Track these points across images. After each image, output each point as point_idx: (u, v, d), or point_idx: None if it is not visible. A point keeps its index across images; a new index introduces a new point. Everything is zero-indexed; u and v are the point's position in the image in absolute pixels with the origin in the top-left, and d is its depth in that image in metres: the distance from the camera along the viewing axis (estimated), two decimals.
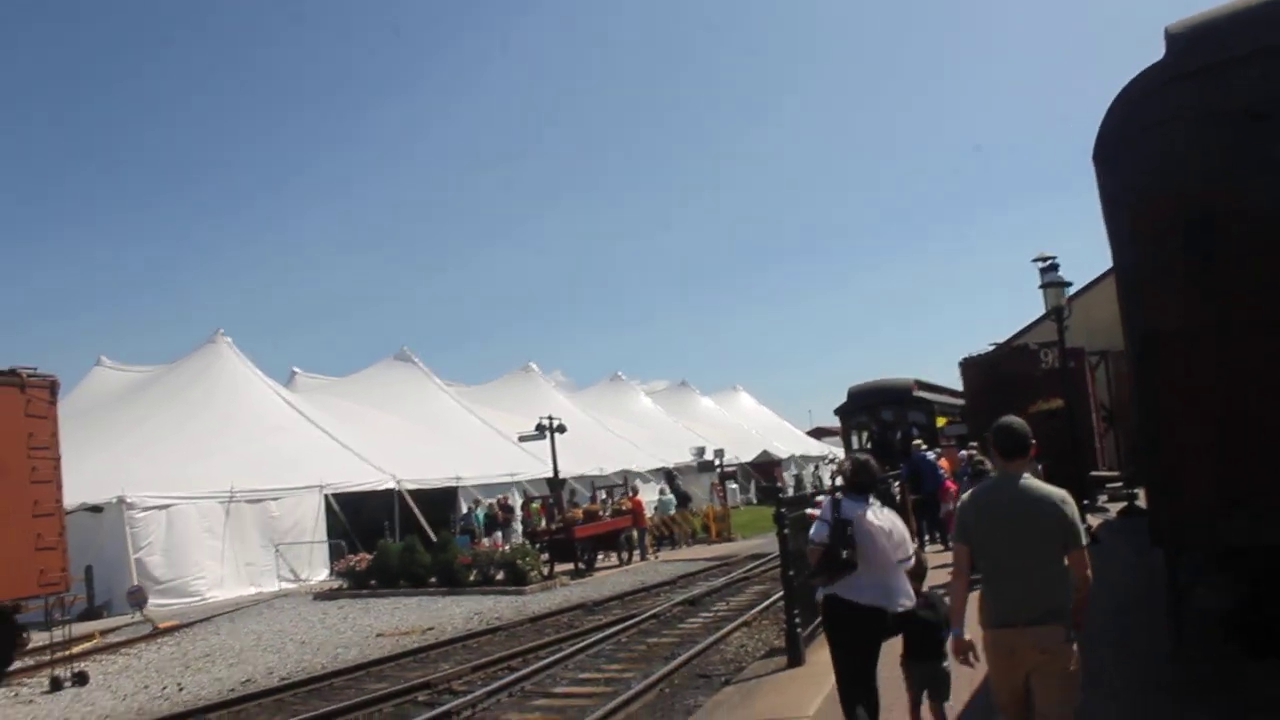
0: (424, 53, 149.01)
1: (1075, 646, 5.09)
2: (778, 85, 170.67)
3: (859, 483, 6.98)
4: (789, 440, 69.05)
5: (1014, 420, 5.57)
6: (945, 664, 6.75)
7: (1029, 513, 5.18)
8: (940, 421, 32.52)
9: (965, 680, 6.92)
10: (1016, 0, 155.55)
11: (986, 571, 5.34)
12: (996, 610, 5.24)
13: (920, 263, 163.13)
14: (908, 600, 6.67)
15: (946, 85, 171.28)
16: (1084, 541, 5.20)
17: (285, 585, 28.67)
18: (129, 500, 25.82)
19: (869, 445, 33.20)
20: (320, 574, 29.99)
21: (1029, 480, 5.32)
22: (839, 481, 7.60)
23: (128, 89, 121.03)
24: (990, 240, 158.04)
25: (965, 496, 5.88)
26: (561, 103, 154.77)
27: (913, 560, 6.86)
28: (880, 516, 6.74)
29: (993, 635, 5.24)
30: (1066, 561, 5.13)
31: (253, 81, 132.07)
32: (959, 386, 30.20)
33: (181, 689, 14.51)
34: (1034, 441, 5.59)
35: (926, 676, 6.93)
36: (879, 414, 33.21)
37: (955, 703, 7.26)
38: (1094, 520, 19.67)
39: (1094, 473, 24.92)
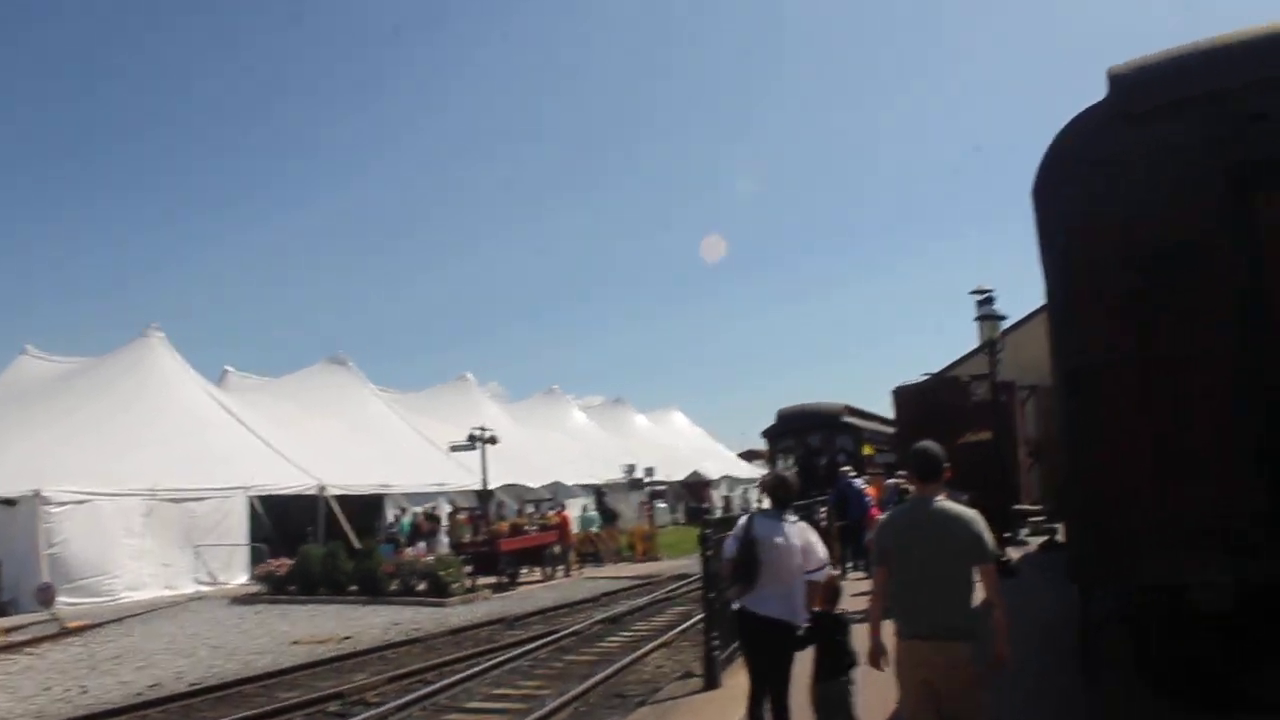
0: (385, 63, 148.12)
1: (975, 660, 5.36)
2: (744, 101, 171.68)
3: (776, 497, 7.39)
4: (721, 461, 69.14)
5: (929, 444, 5.85)
6: (851, 682, 6.95)
7: (942, 532, 5.48)
8: (868, 450, 32.50)
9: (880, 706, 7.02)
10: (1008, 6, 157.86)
11: (901, 587, 5.58)
12: (910, 624, 5.49)
13: (869, 289, 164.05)
14: (802, 616, 6.96)
15: (896, 102, 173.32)
16: (995, 556, 5.56)
17: (202, 588, 28.08)
18: (44, 494, 25.18)
19: (795, 470, 33.20)
20: (240, 577, 29.41)
21: (942, 502, 5.61)
22: (764, 499, 7.84)
23: (74, 82, 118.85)
24: (936, 270, 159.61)
25: (882, 518, 6.29)
26: (514, 112, 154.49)
27: (824, 572, 7.10)
28: (790, 532, 7.03)
29: (906, 647, 5.49)
30: (976, 578, 5.40)
31: (206, 79, 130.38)
32: (892, 414, 30.46)
33: (85, 691, 14.13)
34: (948, 465, 5.80)
35: (831, 696, 6.98)
36: (806, 438, 33.04)
37: None
38: (1014, 553, 19.83)
39: (1017, 506, 25.19)
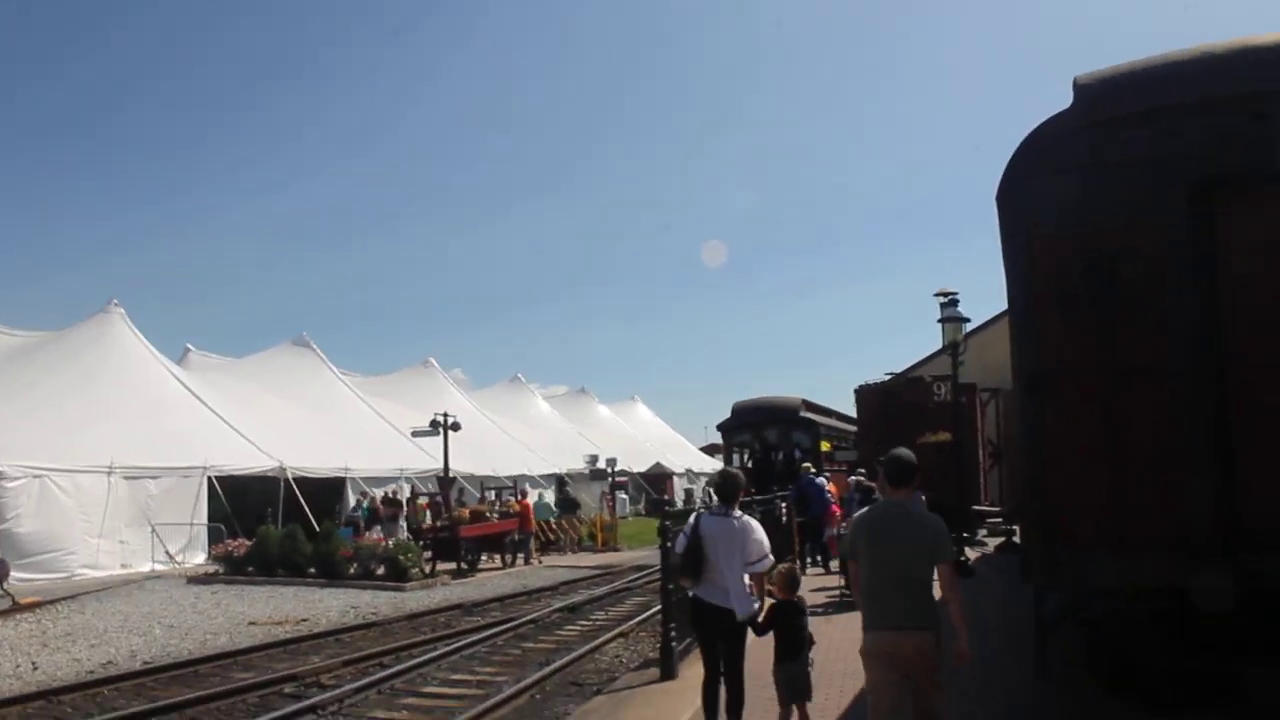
0: (365, 54, 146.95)
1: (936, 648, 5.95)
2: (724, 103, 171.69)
3: (723, 493, 7.94)
4: (683, 454, 69.35)
5: (904, 452, 6.39)
6: (808, 667, 7.54)
7: (910, 534, 6.03)
8: (825, 446, 32.02)
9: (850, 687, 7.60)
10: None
11: (872, 583, 6.10)
12: (879, 617, 5.99)
13: (841, 292, 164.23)
14: (744, 602, 7.54)
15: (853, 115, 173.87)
16: (954, 555, 6.21)
17: (159, 566, 27.83)
18: (1, 469, 24.91)
19: (750, 465, 32.46)
20: (197, 557, 29.16)
21: (910, 506, 6.22)
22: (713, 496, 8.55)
23: (43, 60, 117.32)
24: (912, 273, 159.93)
25: (855, 518, 6.80)
26: (504, 91, 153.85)
27: (765, 563, 7.65)
28: (735, 528, 7.62)
29: (874, 638, 6.00)
30: (936, 574, 5.98)
31: (172, 49, 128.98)
32: (853, 411, 30.53)
33: (36, 668, 14.01)
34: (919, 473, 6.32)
35: (790, 676, 7.50)
36: (763, 433, 32.54)
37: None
38: (972, 553, 20.06)
39: (976, 507, 25.45)
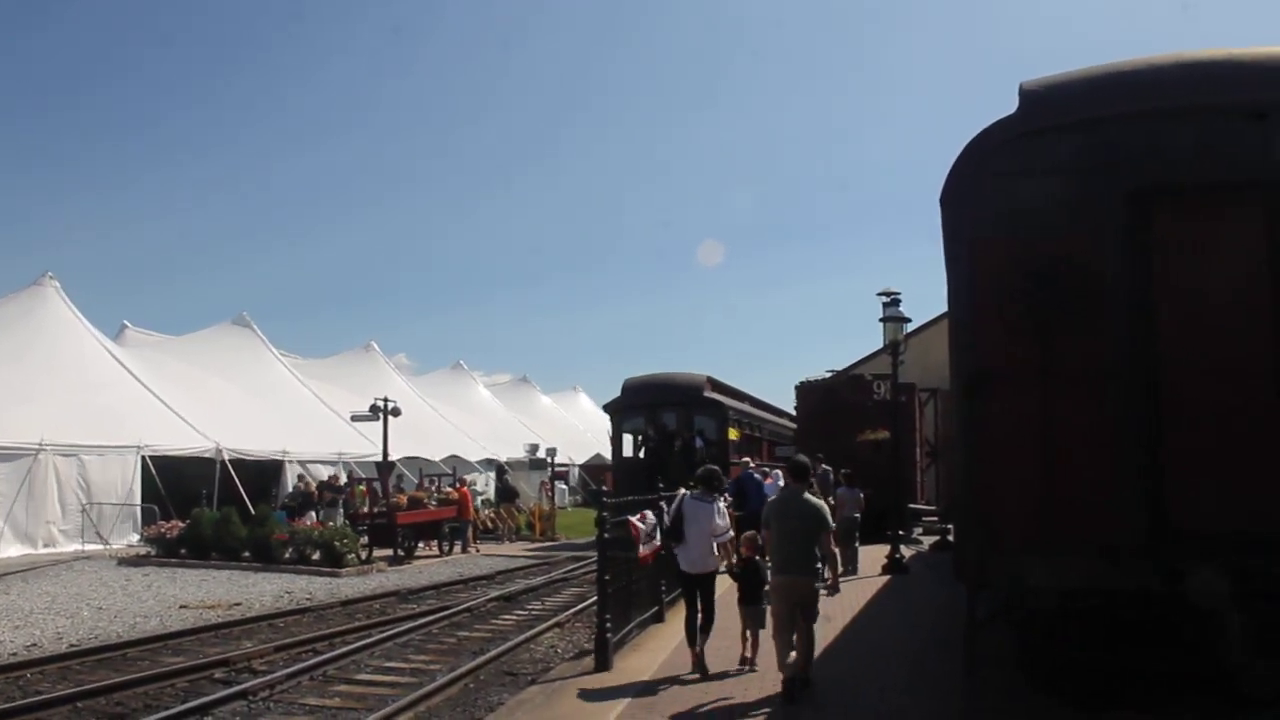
0: (329, 36, 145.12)
1: (820, 588, 9.42)
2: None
3: (708, 485, 10.80)
4: None
5: (801, 456, 10.56)
6: (763, 605, 9.87)
7: (801, 511, 9.05)
8: (733, 433, 28.65)
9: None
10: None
11: (778, 545, 9.09)
12: (780, 566, 9.08)
13: (797, 284, 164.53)
14: (715, 564, 10.64)
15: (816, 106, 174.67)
16: (831, 527, 9.40)
17: (89, 547, 27.42)
18: None
19: (641, 456, 28.74)
20: (129, 538, 28.77)
21: (804, 494, 9.27)
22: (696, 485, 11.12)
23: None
24: (866, 273, 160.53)
25: (769, 500, 10.56)
26: (468, 82, 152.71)
27: (726, 535, 10.59)
28: (708, 509, 10.49)
29: (778, 580, 9.14)
30: (819, 540, 9.10)
31: (124, 20, 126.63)
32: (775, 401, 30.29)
33: None
34: (813, 472, 8.80)
35: (751, 613, 10.26)
36: (659, 416, 28.36)
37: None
38: (907, 551, 20.26)
39: (912, 505, 25.75)
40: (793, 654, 8.92)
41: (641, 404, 28.59)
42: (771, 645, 9.26)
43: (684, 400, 28.10)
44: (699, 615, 10.35)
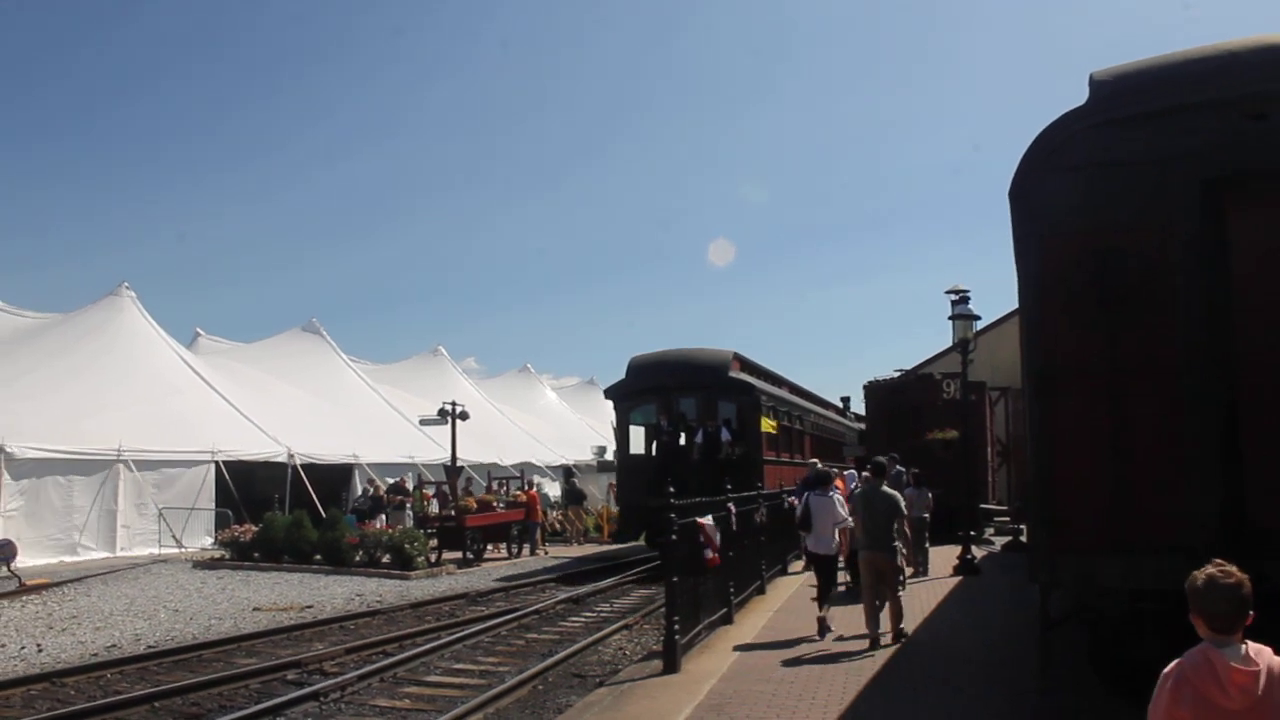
0: (385, 47, 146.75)
1: (900, 561, 12.04)
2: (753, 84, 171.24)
3: (822, 482, 13.16)
4: None
5: (880, 458, 13.49)
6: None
7: (881, 500, 11.68)
8: (768, 425, 23.87)
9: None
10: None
11: (865, 525, 11.70)
12: (866, 544, 11.69)
13: (858, 289, 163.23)
14: (836, 548, 12.73)
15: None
16: (905, 513, 12.13)
17: (165, 551, 27.93)
18: (8, 451, 24.98)
19: (653, 453, 24.02)
20: (203, 542, 29.29)
21: (883, 487, 12.01)
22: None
23: (61, 48, 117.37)
24: (929, 270, 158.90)
25: (856, 492, 13.54)
26: (521, 86, 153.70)
27: (846, 523, 12.53)
28: (829, 502, 12.67)
29: (864, 555, 11.74)
30: (895, 524, 11.70)
31: (186, 43, 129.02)
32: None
33: (41, 650, 14.02)
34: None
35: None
36: (674, 403, 23.08)
37: None
38: (979, 552, 19.98)
39: (984, 505, 25.40)
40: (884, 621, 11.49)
41: (652, 388, 23.32)
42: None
43: (705, 382, 22.84)
44: (825, 585, 12.74)
